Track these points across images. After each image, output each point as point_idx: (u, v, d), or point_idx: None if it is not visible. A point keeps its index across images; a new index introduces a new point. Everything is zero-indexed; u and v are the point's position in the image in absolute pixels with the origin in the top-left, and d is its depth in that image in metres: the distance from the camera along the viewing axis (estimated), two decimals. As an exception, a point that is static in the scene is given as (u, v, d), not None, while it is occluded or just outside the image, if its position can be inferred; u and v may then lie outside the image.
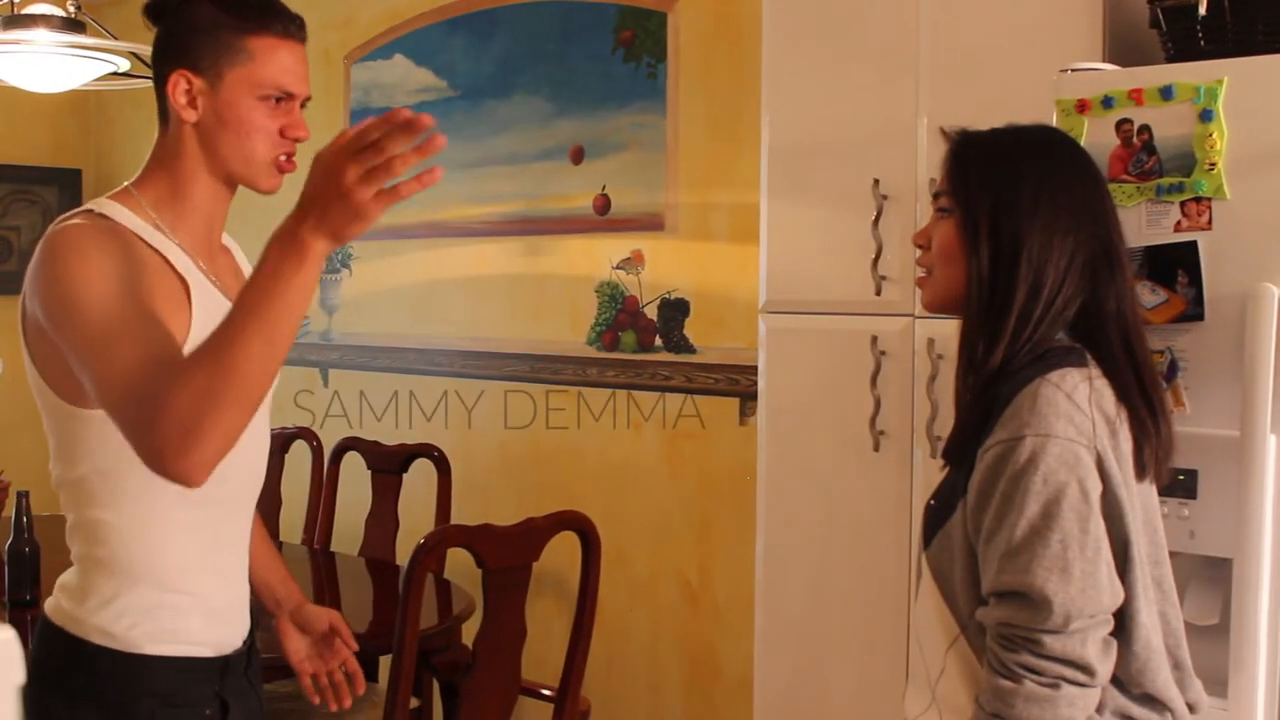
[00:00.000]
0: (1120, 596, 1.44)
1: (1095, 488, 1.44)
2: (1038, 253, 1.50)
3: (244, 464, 1.69)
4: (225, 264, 1.74)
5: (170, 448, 1.34)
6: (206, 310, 1.60)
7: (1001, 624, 1.43)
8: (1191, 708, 1.55)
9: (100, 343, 1.44)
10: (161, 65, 1.63)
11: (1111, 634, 1.45)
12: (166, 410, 1.33)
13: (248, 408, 1.36)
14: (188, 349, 1.54)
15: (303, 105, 1.65)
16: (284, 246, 1.33)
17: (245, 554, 1.75)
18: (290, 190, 1.66)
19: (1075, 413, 1.44)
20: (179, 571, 1.62)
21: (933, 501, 1.59)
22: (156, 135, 1.67)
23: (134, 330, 1.44)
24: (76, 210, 1.62)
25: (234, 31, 1.59)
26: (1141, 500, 1.52)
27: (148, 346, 1.42)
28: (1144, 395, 1.54)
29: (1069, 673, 1.40)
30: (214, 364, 1.34)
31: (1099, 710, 1.46)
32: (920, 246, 1.64)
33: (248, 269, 1.78)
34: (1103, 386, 1.49)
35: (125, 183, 1.67)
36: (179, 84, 1.60)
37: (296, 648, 1.92)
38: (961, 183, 1.57)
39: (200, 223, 1.66)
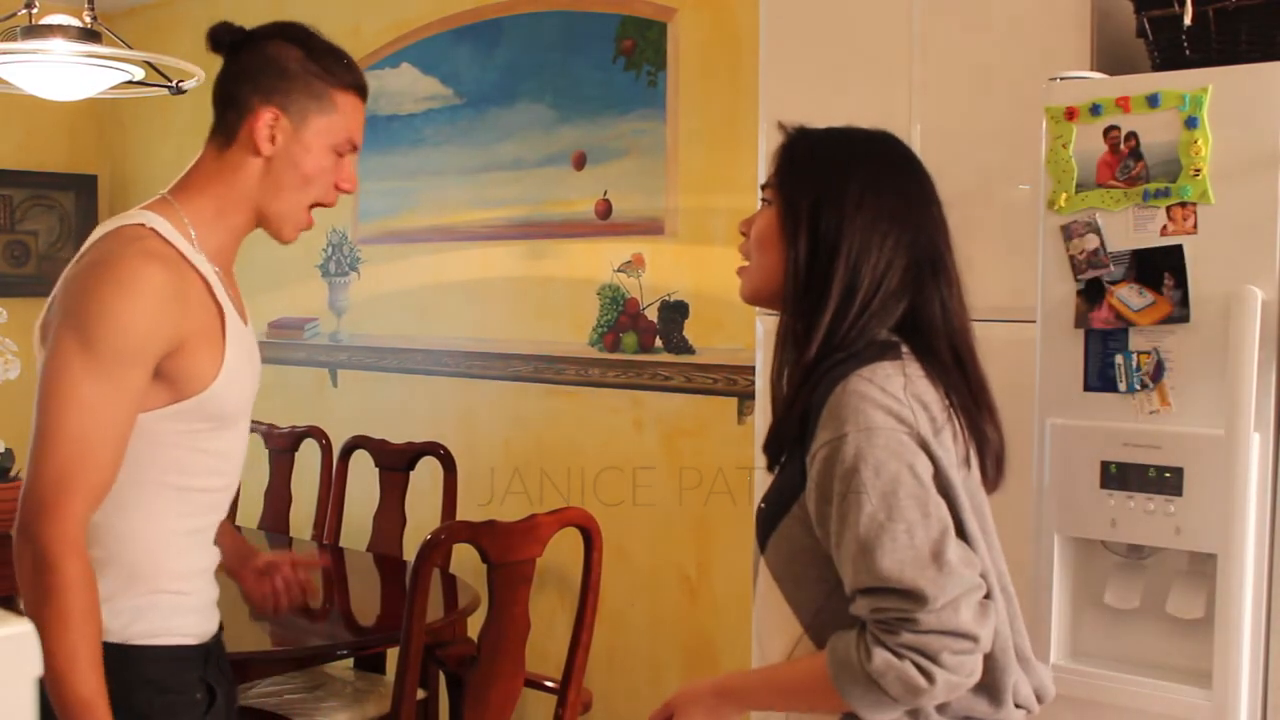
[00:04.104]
0: (977, 562, 1.41)
1: (926, 469, 1.40)
2: (857, 252, 1.48)
3: (235, 472, 1.75)
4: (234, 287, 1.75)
5: (29, 515, 1.51)
6: (237, 335, 1.65)
7: (874, 610, 1.38)
8: (1039, 696, 1.52)
9: (65, 398, 1.51)
10: (245, 94, 1.66)
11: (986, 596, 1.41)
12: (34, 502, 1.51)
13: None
14: (223, 376, 1.61)
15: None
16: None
17: (217, 551, 1.79)
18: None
19: (891, 401, 1.41)
20: (173, 573, 1.67)
21: (763, 504, 1.55)
22: (206, 151, 1.68)
23: (101, 417, 1.52)
24: (130, 219, 1.62)
25: (324, 83, 1.66)
26: (969, 489, 1.49)
27: (98, 430, 1.52)
28: (975, 402, 1.51)
29: (950, 642, 1.36)
30: (57, 607, 1.49)
31: (941, 711, 1.43)
32: (743, 234, 1.61)
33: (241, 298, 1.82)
34: (917, 376, 1.46)
35: (162, 191, 1.67)
36: (266, 117, 1.64)
37: (254, 585, 1.97)
38: (787, 173, 1.55)
39: (228, 247, 1.70)
